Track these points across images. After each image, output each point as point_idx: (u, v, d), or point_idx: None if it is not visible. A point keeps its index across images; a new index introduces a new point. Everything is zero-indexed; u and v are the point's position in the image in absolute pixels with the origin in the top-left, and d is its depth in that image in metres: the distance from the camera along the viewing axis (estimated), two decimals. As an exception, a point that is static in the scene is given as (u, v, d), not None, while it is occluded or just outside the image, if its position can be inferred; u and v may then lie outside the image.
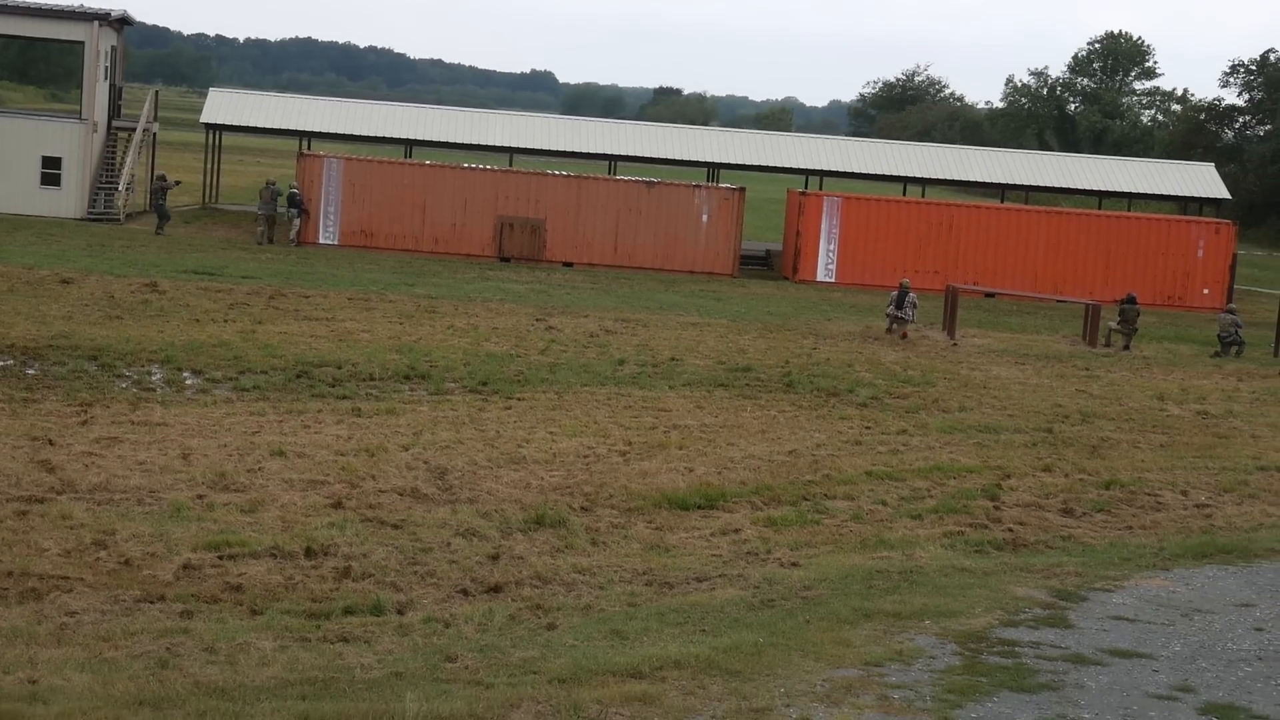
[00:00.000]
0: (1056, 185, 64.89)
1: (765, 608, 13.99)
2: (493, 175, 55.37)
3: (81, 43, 55.98)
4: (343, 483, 18.87)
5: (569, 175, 56.30)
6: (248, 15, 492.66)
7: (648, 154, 62.48)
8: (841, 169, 62.75)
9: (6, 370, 25.43)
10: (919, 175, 63.03)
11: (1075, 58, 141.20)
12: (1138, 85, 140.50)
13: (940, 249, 55.26)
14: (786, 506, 19.23)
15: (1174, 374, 35.39)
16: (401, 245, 54.00)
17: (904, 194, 64.26)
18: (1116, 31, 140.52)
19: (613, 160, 62.85)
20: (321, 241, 53.81)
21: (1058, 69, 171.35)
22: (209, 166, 63.09)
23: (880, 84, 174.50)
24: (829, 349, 35.42)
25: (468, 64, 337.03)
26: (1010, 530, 18.34)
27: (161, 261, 43.27)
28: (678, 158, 62.77)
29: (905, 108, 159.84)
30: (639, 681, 11.23)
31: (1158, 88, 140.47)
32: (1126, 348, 39.81)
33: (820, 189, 62.16)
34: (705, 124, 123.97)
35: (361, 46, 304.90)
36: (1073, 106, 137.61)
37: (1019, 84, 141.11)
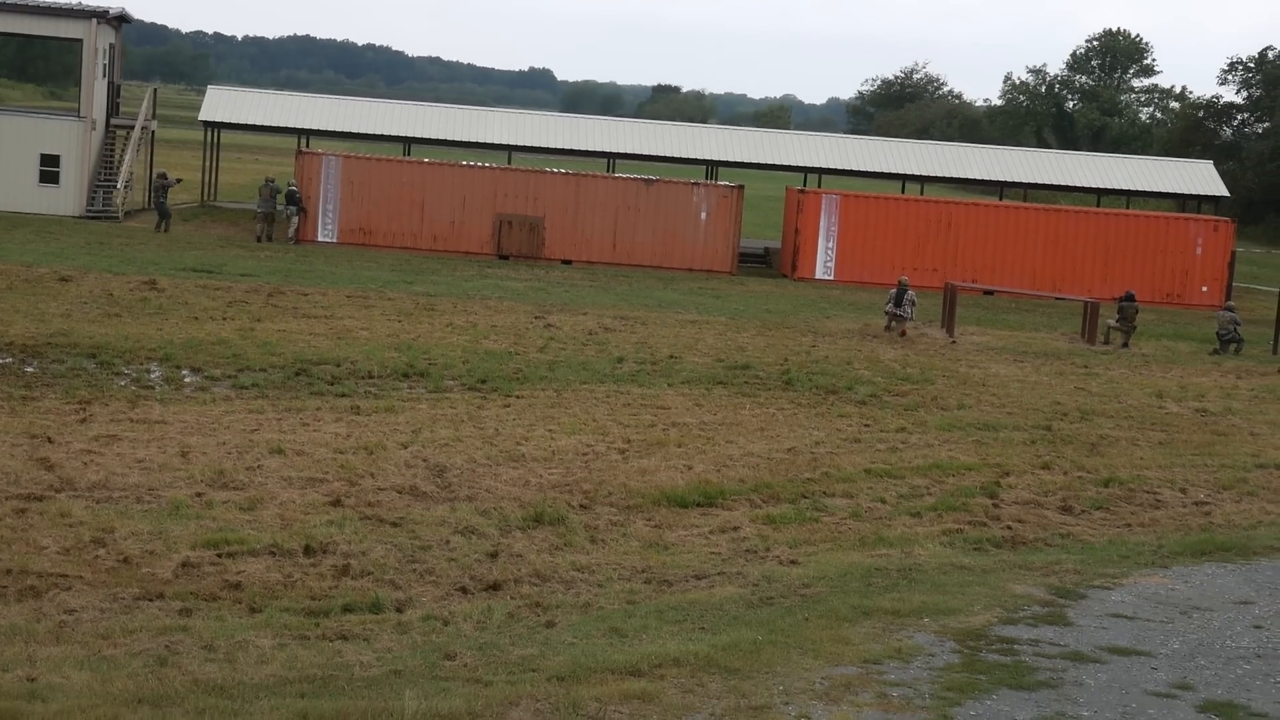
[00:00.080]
0: (1055, 183, 64.91)
1: (764, 605, 13.99)
2: (491, 173, 55.37)
3: (80, 40, 55.98)
4: (342, 480, 18.87)
5: (567, 173, 56.29)
6: (246, 13, 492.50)
7: (646, 152, 62.50)
8: (840, 167, 62.76)
9: (5, 368, 25.42)
10: (918, 173, 63.05)
11: (1074, 55, 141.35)
12: (1136, 83, 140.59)
13: (939, 247, 55.28)
14: (785, 504, 19.23)
15: (1173, 371, 35.40)
16: (400, 243, 54.00)
17: (903, 192, 64.27)
18: (1115, 29, 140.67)
19: (611, 158, 62.84)
20: (320, 239, 53.81)
21: (1056, 66, 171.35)
22: (207, 164, 63.08)
23: (879, 82, 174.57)
24: (828, 347, 35.42)
25: (466, 62, 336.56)
26: (1009, 528, 18.34)
27: (160, 259, 43.26)
28: (676, 155, 62.78)
29: (904, 105, 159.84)
30: (638, 679, 11.22)
31: (1156, 85, 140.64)
32: (1125, 345, 39.82)
33: (819, 187, 62.16)
34: (704, 121, 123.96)
35: (360, 44, 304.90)
36: (1071, 104, 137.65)
37: (1017, 81, 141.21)
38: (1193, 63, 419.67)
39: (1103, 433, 25.87)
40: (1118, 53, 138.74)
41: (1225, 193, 64.84)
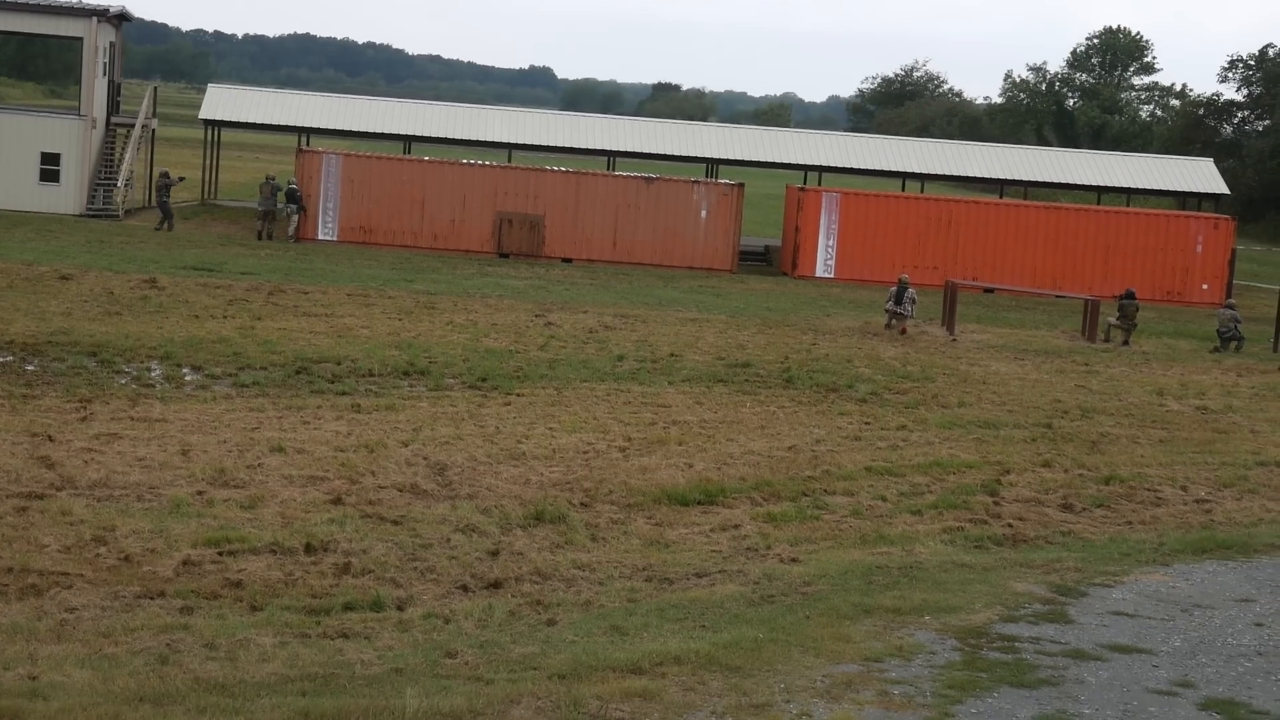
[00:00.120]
0: (1055, 180, 64.86)
1: (765, 603, 13.99)
2: (491, 171, 55.36)
3: (80, 39, 55.96)
4: (342, 479, 18.87)
5: (568, 171, 56.28)
6: (246, 11, 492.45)
7: (646, 150, 62.49)
8: (840, 164, 62.73)
9: (6, 366, 25.43)
10: (918, 171, 63.03)
11: (1074, 53, 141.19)
12: (1136, 80, 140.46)
13: (939, 244, 55.26)
14: (786, 502, 19.23)
15: (1173, 369, 35.40)
16: (400, 241, 53.98)
17: (903, 189, 64.24)
18: (1115, 27, 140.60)
19: (611, 156, 62.82)
20: (320, 237, 53.80)
21: (1056, 64, 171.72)
22: (208, 162, 63.08)
23: (879, 79, 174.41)
24: (828, 344, 35.42)
25: (466, 60, 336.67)
26: (1010, 526, 18.34)
27: (161, 258, 43.26)
28: (677, 153, 62.76)
29: (904, 103, 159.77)
30: (639, 677, 11.23)
31: (1156, 83, 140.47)
32: (1126, 343, 39.82)
33: (819, 184, 62.12)
34: (704, 119, 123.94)
35: (360, 42, 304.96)
36: (1071, 102, 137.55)
37: (1018, 79, 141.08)
38: (1193, 60, 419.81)
39: (1103, 430, 25.87)
40: (1118, 50, 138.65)
41: (1226, 190, 64.81)
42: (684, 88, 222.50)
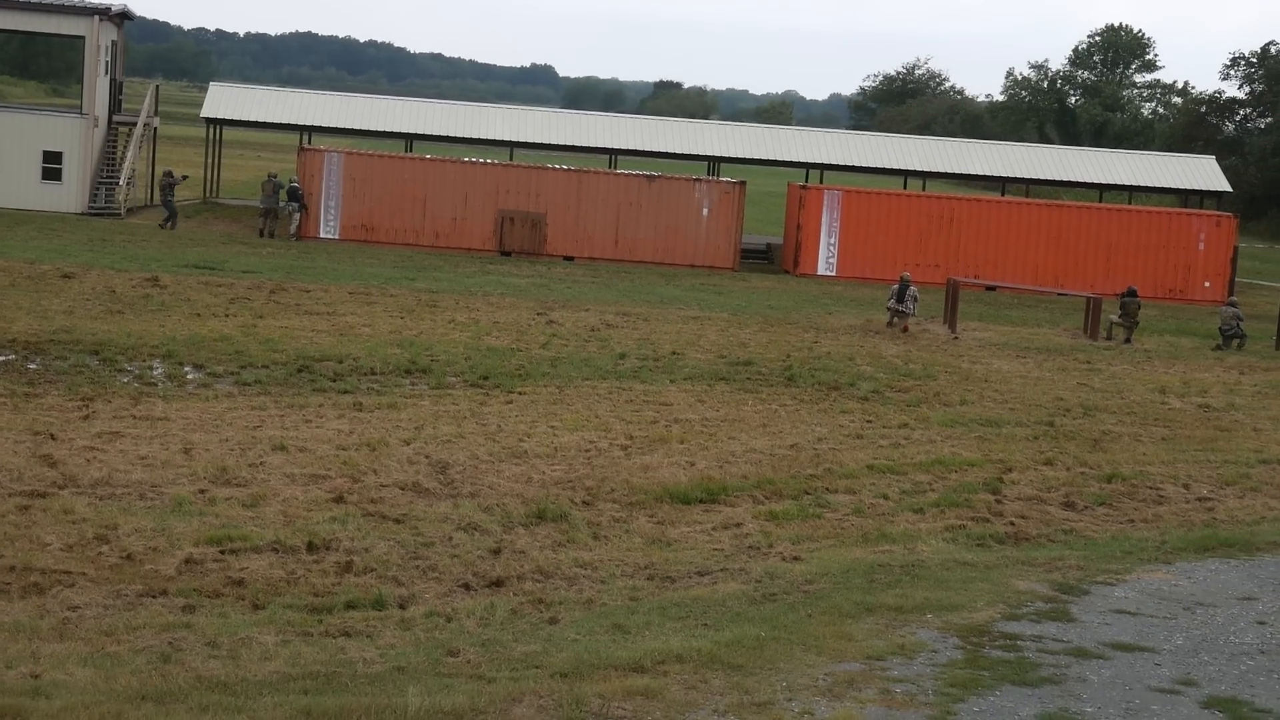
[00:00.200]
0: (1057, 178, 64.83)
1: (767, 602, 13.99)
2: (493, 169, 55.35)
3: (82, 37, 55.96)
4: (344, 477, 18.88)
5: (569, 169, 56.28)
6: (248, 10, 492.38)
7: (648, 148, 62.47)
8: (842, 162, 62.69)
9: (8, 365, 25.44)
10: (919, 169, 63.01)
11: (1075, 50, 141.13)
12: (1138, 78, 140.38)
13: (941, 242, 55.23)
14: (788, 500, 19.23)
15: (1175, 367, 35.39)
16: (402, 239, 53.98)
17: (904, 187, 64.21)
18: (1117, 24, 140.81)
19: (613, 154, 62.83)
20: (322, 236, 53.80)
21: (1058, 62, 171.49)
22: (210, 161, 63.08)
23: (880, 77, 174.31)
24: (830, 343, 35.41)
25: (468, 58, 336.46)
26: (1012, 524, 18.34)
27: (162, 256, 43.27)
28: (678, 151, 62.74)
29: (905, 101, 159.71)
30: (641, 675, 11.23)
31: (1158, 80, 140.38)
32: (1128, 341, 39.81)
33: (821, 182, 62.12)
34: (706, 118, 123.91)
35: (361, 41, 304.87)
36: (1073, 99, 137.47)
37: (1019, 77, 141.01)
38: (1195, 58, 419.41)
39: (1105, 428, 25.87)
40: (1120, 48, 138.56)
41: (1228, 188, 64.77)
42: (685, 86, 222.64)
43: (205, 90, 67.32)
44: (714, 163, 63.93)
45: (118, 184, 56.14)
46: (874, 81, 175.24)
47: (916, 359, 33.37)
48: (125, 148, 57.58)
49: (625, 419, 24.06)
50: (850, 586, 14.50)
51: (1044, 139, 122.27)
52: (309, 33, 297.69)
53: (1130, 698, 11.38)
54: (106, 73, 57.16)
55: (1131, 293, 40.91)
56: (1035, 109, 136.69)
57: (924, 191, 61.98)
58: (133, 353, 27.20)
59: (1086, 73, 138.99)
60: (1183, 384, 32.23)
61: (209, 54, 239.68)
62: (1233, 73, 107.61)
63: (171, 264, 41.32)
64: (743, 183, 56.21)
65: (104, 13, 55.76)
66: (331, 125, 61.60)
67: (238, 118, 61.60)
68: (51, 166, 55.24)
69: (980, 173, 64.63)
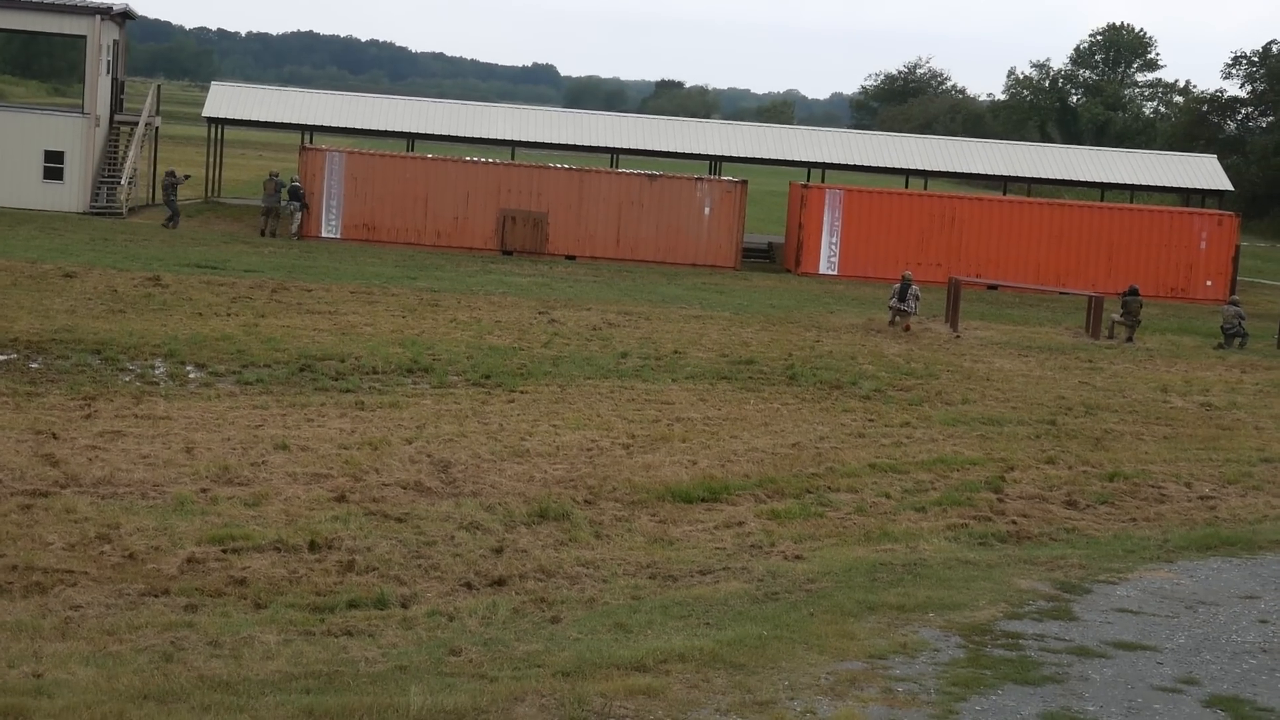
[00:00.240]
0: (1059, 177, 64.83)
1: (769, 601, 13.99)
2: (495, 168, 55.35)
3: (84, 37, 55.97)
4: (346, 476, 18.87)
5: (571, 168, 56.27)
6: (249, 9, 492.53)
7: (650, 147, 62.47)
8: (844, 161, 62.69)
9: (10, 364, 25.45)
10: (921, 168, 63.01)
11: (1077, 50, 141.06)
12: (1140, 77, 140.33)
13: (943, 241, 55.23)
14: (790, 499, 19.23)
15: (1177, 366, 35.38)
16: (404, 239, 53.98)
17: (906, 186, 64.19)
18: (1118, 23, 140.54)
19: (615, 153, 62.84)
20: (324, 235, 53.81)
21: (1059, 61, 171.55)
22: (211, 160, 63.09)
23: (882, 76, 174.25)
24: (832, 341, 35.41)
25: (469, 57, 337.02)
26: (1014, 523, 18.33)
27: (164, 255, 43.28)
28: (680, 150, 62.75)
29: (907, 100, 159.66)
30: (643, 674, 11.23)
31: (1160, 79, 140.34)
32: (1129, 340, 39.79)
33: (822, 181, 62.12)
34: (707, 117, 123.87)
35: (363, 40, 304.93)
36: (1075, 98, 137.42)
37: (1021, 76, 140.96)
38: (1197, 57, 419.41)
39: (1107, 427, 25.86)
40: (1121, 47, 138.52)
41: (1229, 187, 64.76)
42: (687, 85, 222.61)
43: (207, 90, 67.34)
44: (716, 162, 63.92)
45: (119, 183, 56.15)
46: (875, 81, 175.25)
47: (918, 358, 33.37)
48: (127, 147, 57.59)
49: (627, 418, 24.06)
50: (852, 585, 14.50)
51: (1046, 138, 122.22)
52: (310, 32, 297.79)
53: (1132, 696, 11.38)
54: (108, 72, 57.17)
55: (1133, 291, 40.91)
56: (1037, 108, 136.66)
57: (926, 191, 61.97)
58: (134, 352, 27.21)
59: (1088, 72, 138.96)
60: (1185, 383, 32.22)
61: (210, 53, 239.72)
62: (1234, 72, 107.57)
63: (173, 263, 41.33)
64: (744, 182, 56.20)
65: (105, 12, 55.77)
66: (333, 125, 61.61)
67: (239, 117, 61.61)
68: (53, 166, 55.26)
69: (982, 172, 64.62)
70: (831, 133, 69.61)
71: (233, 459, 19.39)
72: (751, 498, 19.22)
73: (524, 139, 61.57)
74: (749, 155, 62.75)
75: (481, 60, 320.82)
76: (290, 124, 62.48)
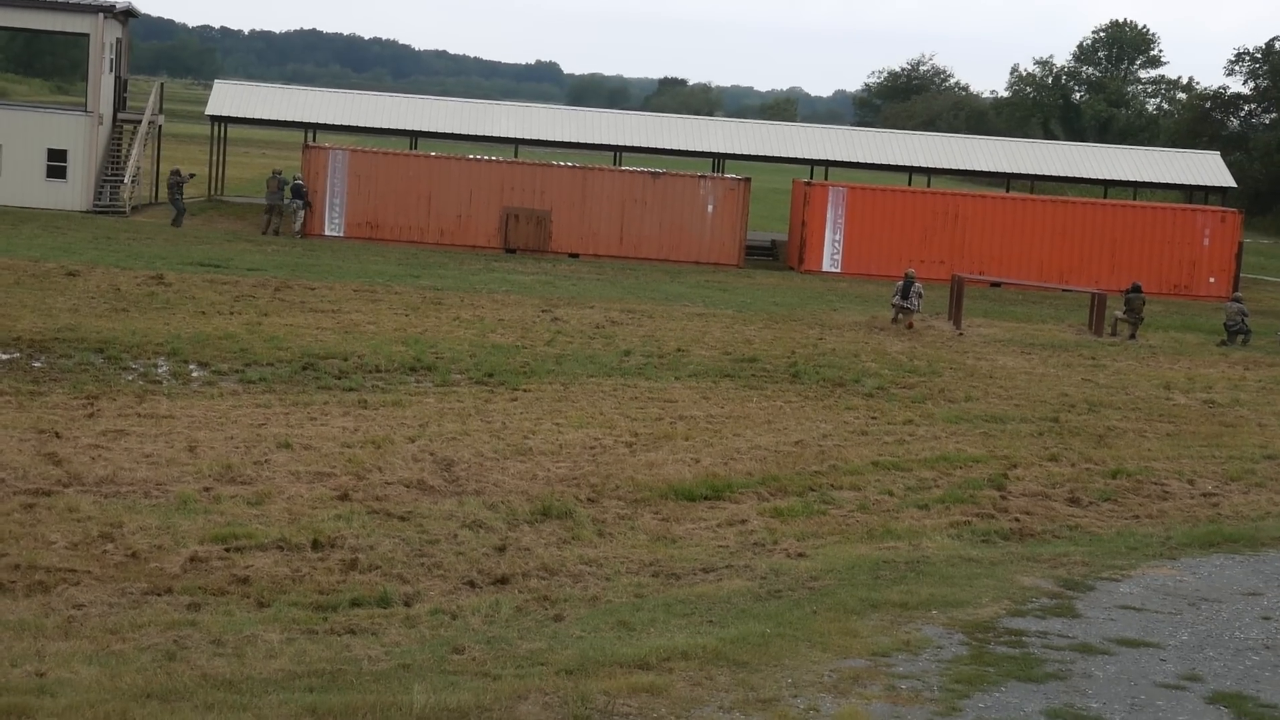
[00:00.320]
0: (1062, 174, 64.82)
1: (772, 598, 13.98)
2: (498, 166, 55.35)
3: (86, 35, 56.01)
4: (349, 475, 18.88)
5: (574, 166, 56.27)
6: (252, 7, 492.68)
7: (653, 145, 62.46)
8: (847, 159, 62.69)
9: (13, 363, 25.46)
10: (924, 165, 62.99)
11: (1080, 47, 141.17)
12: (1143, 74, 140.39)
13: (946, 239, 55.21)
14: (793, 497, 19.22)
15: (1180, 363, 35.36)
16: (407, 237, 53.98)
17: (909, 184, 64.18)
18: (1121, 20, 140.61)
19: (618, 151, 62.82)
20: (327, 233, 53.83)
21: (1063, 58, 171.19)
22: (214, 159, 63.11)
23: (885, 74, 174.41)
24: (835, 339, 35.40)
25: (472, 55, 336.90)
26: (1017, 520, 18.33)
27: (167, 254, 43.30)
28: (683, 148, 62.75)
29: (910, 97, 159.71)
30: (646, 672, 11.23)
31: (1163, 76, 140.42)
32: (1133, 337, 39.77)
33: (825, 179, 62.11)
34: (710, 114, 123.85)
35: (366, 38, 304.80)
36: (1078, 95, 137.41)
37: (1024, 73, 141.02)
38: (1200, 54, 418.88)
39: (1110, 424, 25.85)
40: (1124, 44, 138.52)
41: (1232, 184, 64.73)
42: (690, 83, 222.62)
43: (210, 88, 67.39)
44: (719, 159, 63.90)
45: (122, 182, 56.18)
46: (879, 78, 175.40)
47: (921, 355, 33.36)
48: (130, 145, 57.62)
49: (630, 416, 24.06)
50: (855, 583, 14.49)
51: (1048, 135, 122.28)
52: (314, 30, 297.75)
53: (1135, 693, 11.37)
54: (111, 70, 57.19)
55: (1136, 288, 40.89)
56: (1040, 105, 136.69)
57: (929, 188, 61.95)
58: (137, 350, 27.22)
59: (1091, 69, 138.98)
60: (1187, 380, 32.20)
61: (214, 51, 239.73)
62: (1237, 68, 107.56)
63: (176, 262, 41.35)
64: (747, 179, 56.19)
65: (108, 10, 55.78)
66: (336, 123, 61.62)
67: (242, 115, 61.62)
68: (56, 164, 55.29)
69: (985, 169, 64.61)
70: (835, 130, 69.60)
71: (235, 458, 19.40)
72: (754, 495, 19.22)
73: (527, 137, 61.59)
74: (752, 153, 62.76)
75: (485, 58, 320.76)
76: (293, 122, 62.51)
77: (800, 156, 62.90)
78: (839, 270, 54.91)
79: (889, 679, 11.32)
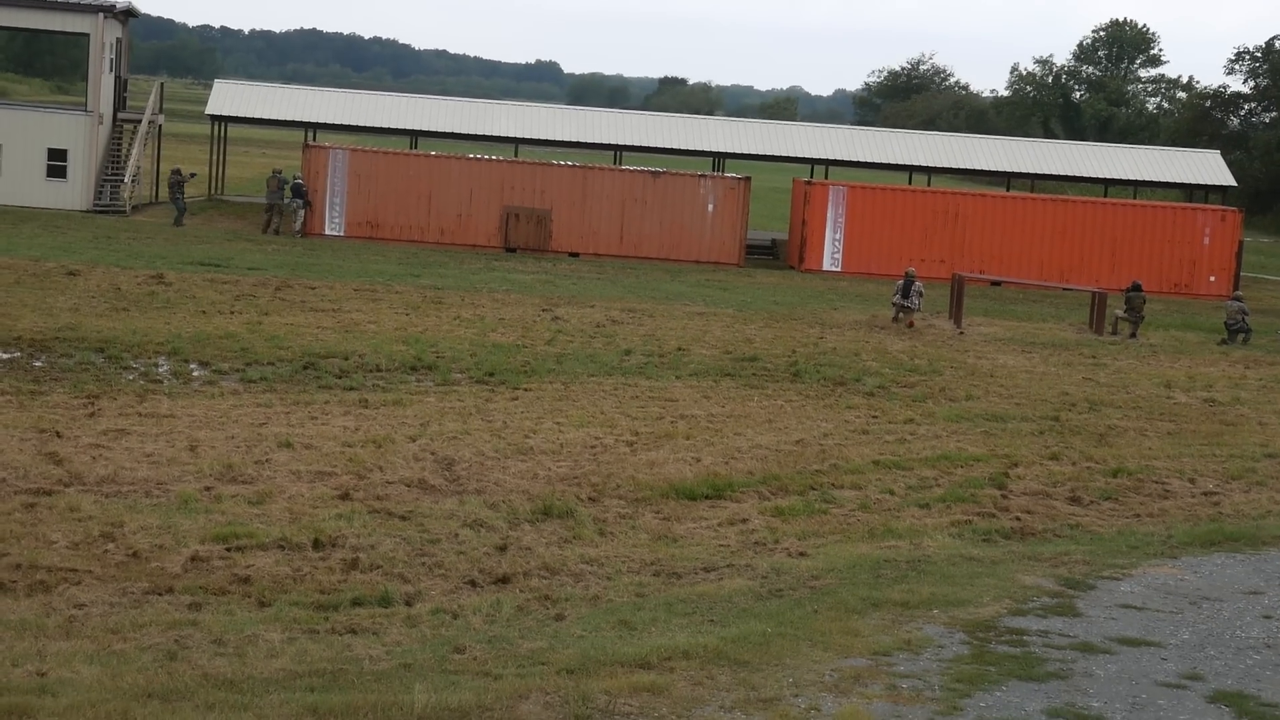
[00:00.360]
0: (1062, 173, 64.80)
1: (773, 598, 13.98)
2: (498, 166, 55.35)
3: (86, 35, 56.00)
4: (350, 474, 18.88)
5: (575, 165, 56.26)
6: (252, 6, 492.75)
7: (653, 144, 62.45)
8: (847, 158, 62.69)
9: (14, 363, 25.46)
10: (924, 164, 62.97)
11: (1080, 46, 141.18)
12: (1143, 73, 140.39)
13: (946, 238, 55.20)
14: (794, 496, 19.22)
15: (1181, 362, 35.35)
16: (407, 236, 53.98)
17: (909, 183, 64.16)
18: (1121, 19, 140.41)
19: (618, 150, 62.82)
20: (327, 233, 53.82)
21: (1063, 57, 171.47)
22: (215, 158, 63.11)
23: (885, 73, 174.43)
24: (835, 338, 35.40)
25: (473, 55, 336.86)
26: (1018, 519, 18.33)
27: (168, 253, 43.29)
28: (683, 147, 62.73)
29: (910, 97, 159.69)
30: (647, 672, 11.23)
31: (1163, 75, 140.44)
32: (1133, 335, 39.77)
33: (826, 178, 62.10)
34: (710, 114, 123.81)
35: (366, 37, 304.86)
36: (1078, 94, 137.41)
37: (1024, 72, 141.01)
38: (1200, 53, 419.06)
39: (1111, 423, 25.84)
40: (1124, 43, 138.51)
41: (1232, 182, 64.72)
42: (690, 82, 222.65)
43: (210, 87, 67.37)
44: (719, 159, 63.89)
45: (123, 181, 56.17)
46: (879, 77, 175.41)
47: (922, 354, 33.36)
48: (130, 145, 57.61)
49: (631, 415, 24.06)
50: (856, 582, 14.49)
51: (1049, 134, 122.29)
52: (314, 29, 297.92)
53: (1137, 692, 11.37)
54: (111, 70, 57.18)
55: (1136, 287, 40.89)
56: (1040, 104, 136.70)
57: (929, 187, 61.94)
58: (138, 350, 27.22)
59: (1091, 68, 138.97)
60: (1188, 378, 32.19)
61: (214, 51, 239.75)
62: (1237, 67, 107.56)
63: (177, 261, 41.34)
64: (748, 179, 56.18)
65: (108, 10, 55.77)
66: (336, 122, 61.61)
67: (242, 115, 61.61)
68: (56, 164, 55.29)
69: (985, 168, 64.61)
70: (835, 129, 69.58)
71: (236, 457, 19.39)
72: (755, 495, 19.22)
73: (527, 136, 61.58)
74: (752, 152, 62.75)
75: (485, 57, 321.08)
76: (294, 121, 62.50)
77: (800, 156, 62.89)
78: (839, 269, 54.91)
79: (890, 678, 11.31)
